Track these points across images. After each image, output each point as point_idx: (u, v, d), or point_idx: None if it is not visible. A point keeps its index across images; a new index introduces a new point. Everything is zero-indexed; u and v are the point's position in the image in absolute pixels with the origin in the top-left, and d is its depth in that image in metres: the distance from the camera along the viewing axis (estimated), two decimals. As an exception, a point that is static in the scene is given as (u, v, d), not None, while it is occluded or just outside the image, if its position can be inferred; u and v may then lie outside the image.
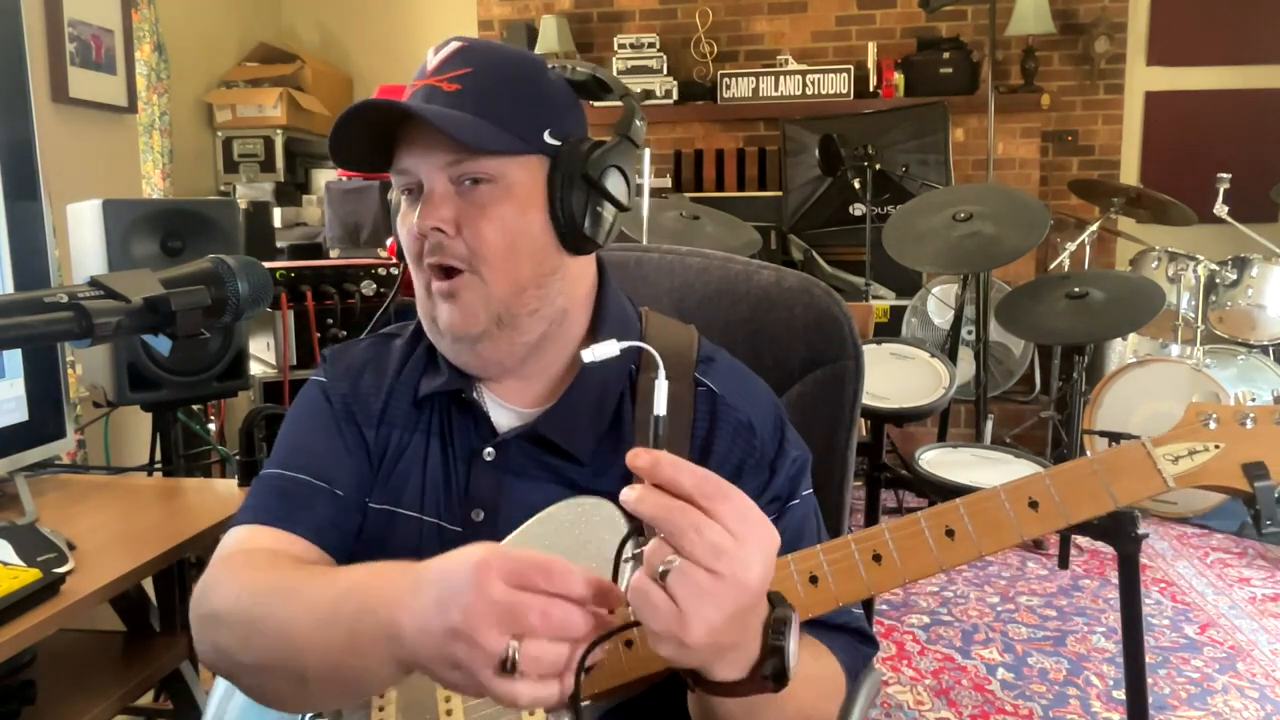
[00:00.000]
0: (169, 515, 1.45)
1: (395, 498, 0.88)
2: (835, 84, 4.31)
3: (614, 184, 0.85)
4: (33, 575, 1.09)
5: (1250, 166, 3.91)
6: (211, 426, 2.38)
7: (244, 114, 4.09)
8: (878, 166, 3.60)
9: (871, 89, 4.37)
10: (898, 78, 4.30)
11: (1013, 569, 3.09)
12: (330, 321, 2.22)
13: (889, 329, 4.00)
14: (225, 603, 0.77)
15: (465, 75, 0.82)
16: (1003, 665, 2.45)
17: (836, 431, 1.06)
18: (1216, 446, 0.76)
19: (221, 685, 0.91)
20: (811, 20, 4.58)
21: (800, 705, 0.73)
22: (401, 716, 0.77)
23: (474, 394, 0.89)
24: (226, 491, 1.56)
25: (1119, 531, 1.84)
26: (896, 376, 2.48)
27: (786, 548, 0.69)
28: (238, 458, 1.56)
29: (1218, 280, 3.50)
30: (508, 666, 0.60)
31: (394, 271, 2.27)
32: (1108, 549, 3.03)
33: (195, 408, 2.09)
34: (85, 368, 1.81)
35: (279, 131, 4.06)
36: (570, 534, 0.80)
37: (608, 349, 0.65)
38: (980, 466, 2.19)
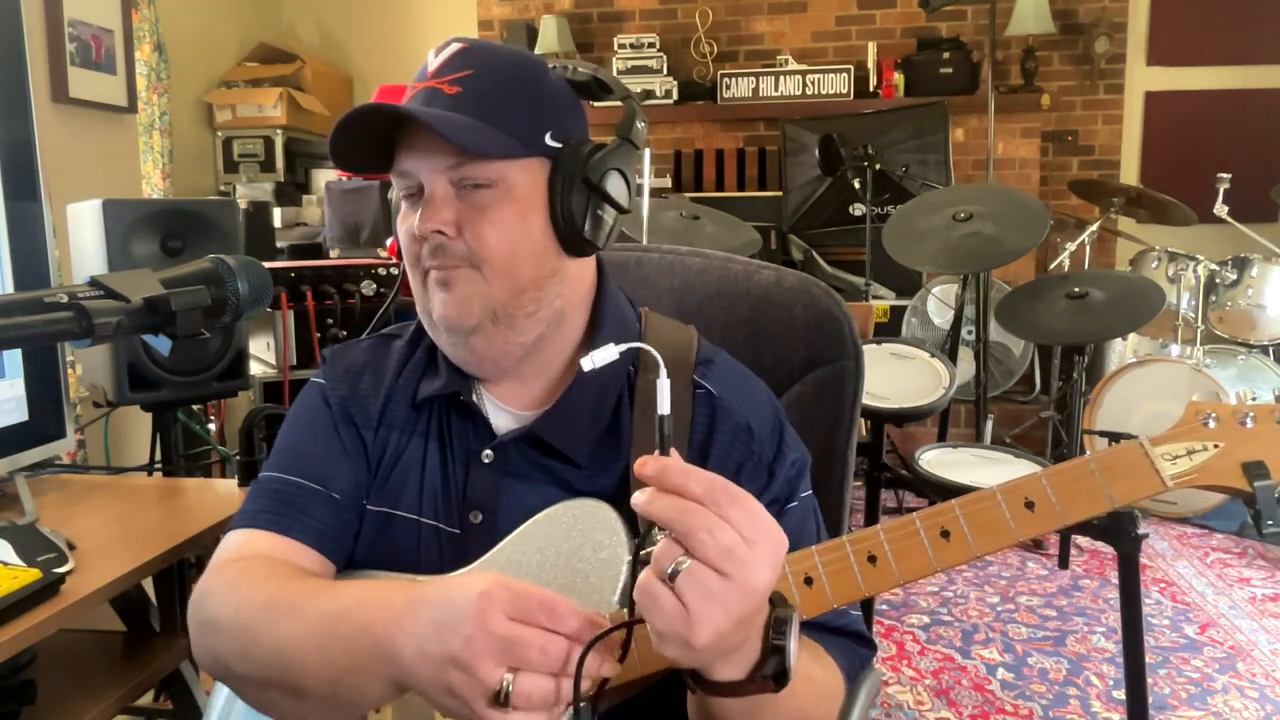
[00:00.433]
0: (169, 515, 1.45)
1: (393, 500, 0.88)
2: (835, 84, 4.31)
3: (614, 186, 0.85)
4: (33, 575, 1.09)
5: (1250, 166, 3.91)
6: (211, 426, 2.38)
7: (244, 114, 4.09)
8: (878, 166, 3.60)
9: (871, 89, 4.37)
10: (898, 78, 4.30)
11: (1013, 569, 3.09)
12: (330, 321, 2.22)
13: (889, 329, 4.00)
14: (224, 613, 0.77)
15: (466, 78, 0.82)
16: (1003, 665, 2.45)
17: (836, 431, 1.06)
18: (1216, 446, 0.75)
19: (225, 689, 0.91)
20: (811, 20, 4.58)
21: (800, 706, 0.73)
22: None
23: (473, 397, 0.89)
24: (226, 491, 1.56)
25: (1119, 531, 1.84)
26: (896, 376, 2.48)
27: None
28: (238, 458, 1.56)
29: (1218, 280, 3.50)
30: (500, 699, 0.61)
31: (394, 271, 2.27)
32: (1108, 549, 3.03)
33: (195, 408, 2.09)
34: (85, 368, 1.81)
35: (279, 131, 4.06)
36: (567, 536, 0.80)
37: (606, 354, 0.65)
38: (980, 466, 2.19)
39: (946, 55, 4.27)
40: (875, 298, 3.87)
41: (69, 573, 1.15)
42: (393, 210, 0.89)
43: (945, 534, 0.74)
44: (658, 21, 4.68)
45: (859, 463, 1.86)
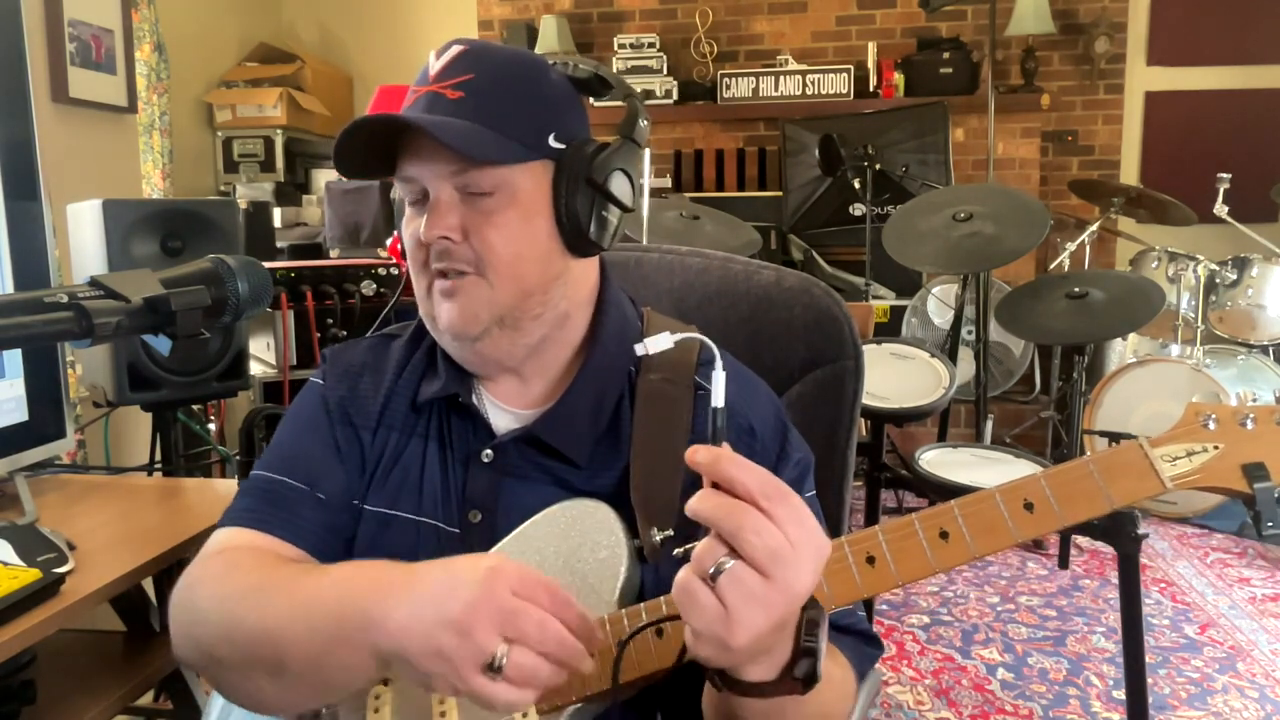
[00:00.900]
0: (169, 515, 1.45)
1: (392, 500, 0.88)
2: (835, 84, 4.31)
3: (618, 186, 0.84)
4: (33, 575, 1.09)
5: (1250, 166, 3.91)
6: (211, 426, 2.38)
7: (244, 114, 4.09)
8: (878, 166, 3.60)
9: (871, 89, 4.37)
10: (898, 78, 4.30)
11: (1013, 569, 3.09)
12: (330, 321, 2.22)
13: (889, 329, 4.00)
14: (209, 602, 0.77)
15: (468, 82, 0.81)
16: (1003, 665, 2.45)
17: (836, 431, 1.06)
18: (1216, 447, 0.75)
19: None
20: (811, 20, 4.58)
21: (820, 706, 0.73)
22: (396, 717, 0.77)
23: (472, 398, 0.89)
24: (226, 491, 1.56)
25: (1119, 531, 1.84)
26: (896, 376, 2.48)
27: None
28: (238, 458, 1.56)
29: (1218, 280, 3.50)
30: (494, 666, 0.61)
31: (394, 271, 2.27)
32: (1108, 549, 3.03)
33: (195, 408, 2.08)
34: (85, 368, 1.81)
35: (279, 131, 4.06)
36: (566, 536, 0.80)
37: (660, 342, 0.66)
38: (980, 466, 2.19)
39: (946, 55, 4.27)
40: (875, 298, 3.87)
41: (69, 573, 1.15)
42: (396, 211, 0.89)
43: (944, 535, 0.73)
44: (658, 21, 4.68)
45: (859, 463, 1.86)
